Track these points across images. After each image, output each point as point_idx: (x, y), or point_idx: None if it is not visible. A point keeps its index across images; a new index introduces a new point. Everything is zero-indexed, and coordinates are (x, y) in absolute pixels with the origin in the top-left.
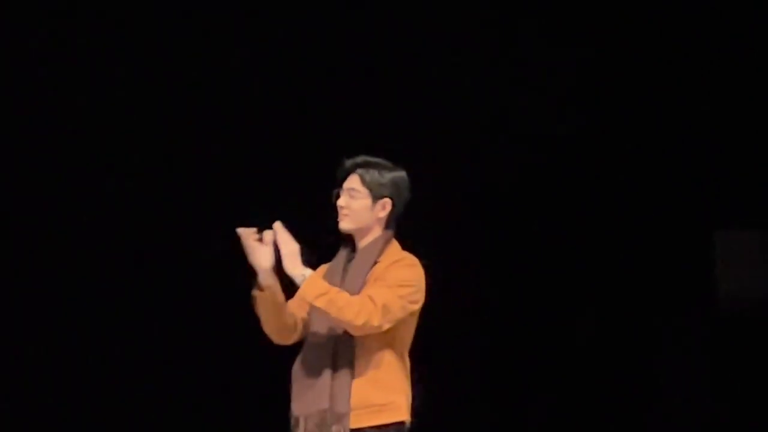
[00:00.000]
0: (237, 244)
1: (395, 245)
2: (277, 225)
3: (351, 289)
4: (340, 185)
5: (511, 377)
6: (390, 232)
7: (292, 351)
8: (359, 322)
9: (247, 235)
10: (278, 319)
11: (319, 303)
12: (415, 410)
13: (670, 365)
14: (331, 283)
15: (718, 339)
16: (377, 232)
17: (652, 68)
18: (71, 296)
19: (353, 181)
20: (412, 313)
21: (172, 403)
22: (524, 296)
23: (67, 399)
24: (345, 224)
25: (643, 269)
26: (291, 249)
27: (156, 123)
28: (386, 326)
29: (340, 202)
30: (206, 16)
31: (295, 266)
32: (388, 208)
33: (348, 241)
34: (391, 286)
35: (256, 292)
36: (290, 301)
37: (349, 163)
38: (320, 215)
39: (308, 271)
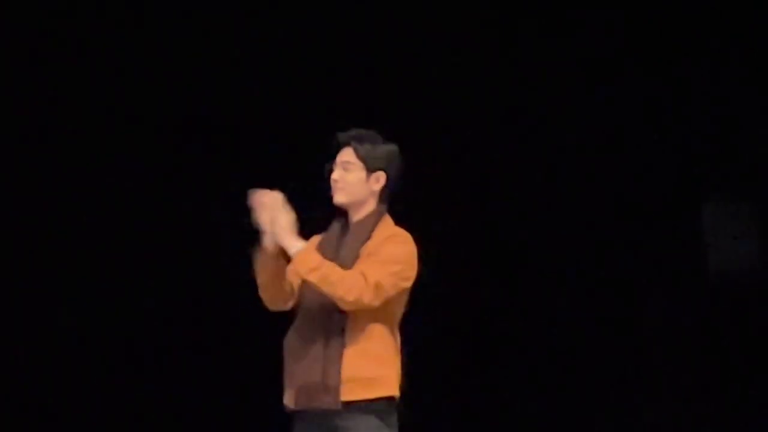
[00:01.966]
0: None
1: (388, 220)
2: (275, 194)
3: (344, 264)
4: (332, 159)
5: (496, 346)
6: (383, 207)
7: (284, 323)
8: (350, 298)
9: (258, 195)
10: (276, 284)
11: (312, 277)
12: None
13: (658, 336)
14: (325, 256)
15: (706, 310)
16: (371, 206)
17: (640, 38)
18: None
19: (347, 154)
20: (403, 290)
21: (162, 374)
22: (508, 267)
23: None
24: (339, 197)
25: (631, 241)
26: (286, 220)
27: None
28: (377, 303)
29: (334, 175)
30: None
31: (288, 238)
32: (382, 181)
33: (341, 214)
34: (384, 263)
35: (260, 254)
36: (287, 267)
37: (342, 136)
38: (314, 189)
39: (302, 243)
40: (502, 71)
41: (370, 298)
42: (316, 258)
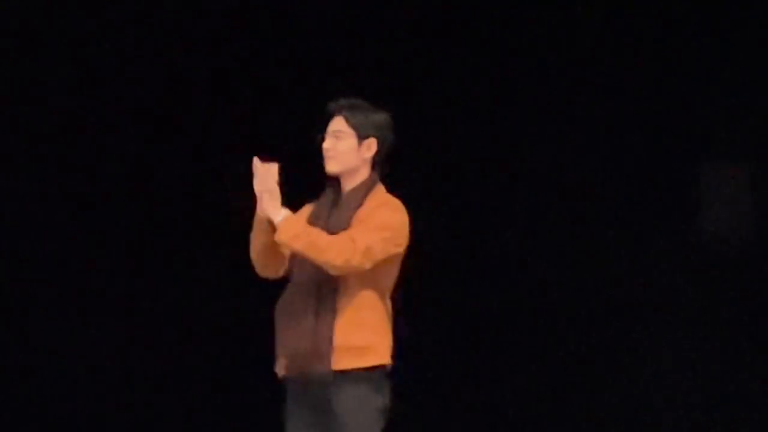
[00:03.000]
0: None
1: (381, 188)
2: (256, 162)
3: (335, 232)
4: (324, 130)
5: (490, 316)
6: (376, 175)
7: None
8: (339, 261)
9: (260, 162)
10: (269, 253)
11: (297, 245)
12: (395, 353)
13: (653, 303)
14: (316, 225)
15: (701, 276)
16: (364, 174)
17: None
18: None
19: (338, 123)
20: (395, 256)
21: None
22: (503, 238)
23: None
24: (331, 166)
25: (625, 206)
26: (269, 188)
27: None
28: (367, 266)
29: (326, 144)
30: None
31: (272, 208)
32: (374, 148)
33: (333, 184)
34: (375, 229)
35: (256, 222)
36: None
37: (332, 105)
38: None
39: (285, 212)
40: (490, 61)
41: (359, 261)
42: (300, 225)
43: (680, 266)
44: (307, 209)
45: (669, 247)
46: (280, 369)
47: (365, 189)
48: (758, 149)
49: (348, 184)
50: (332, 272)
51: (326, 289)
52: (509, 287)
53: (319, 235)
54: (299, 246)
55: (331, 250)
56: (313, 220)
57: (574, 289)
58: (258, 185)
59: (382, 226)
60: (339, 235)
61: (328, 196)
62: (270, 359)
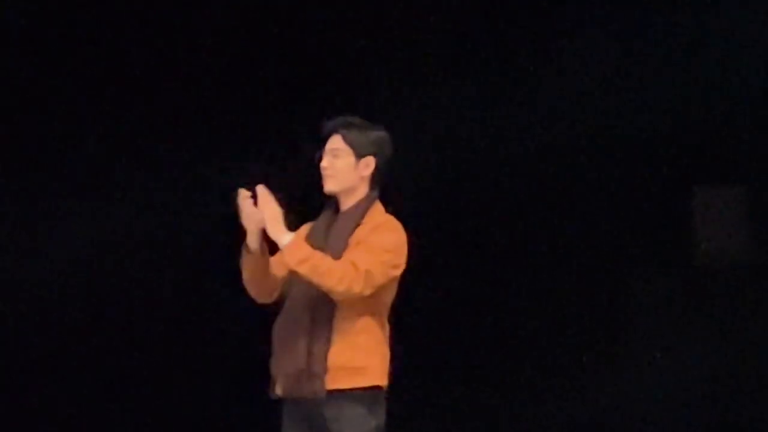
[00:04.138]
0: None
1: (379, 207)
2: (260, 188)
3: (333, 253)
4: (321, 148)
5: (484, 331)
6: (374, 194)
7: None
8: (341, 288)
9: (244, 196)
10: (261, 281)
11: (301, 269)
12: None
13: (647, 322)
14: (314, 244)
15: (695, 295)
16: (362, 192)
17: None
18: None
19: (335, 141)
20: (393, 278)
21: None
22: (499, 251)
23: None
24: (330, 186)
25: (621, 225)
26: (273, 213)
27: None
28: (368, 292)
29: (324, 163)
30: None
31: (277, 230)
32: (372, 166)
33: (332, 202)
34: (373, 251)
35: (245, 252)
36: (272, 259)
37: (329, 124)
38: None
39: (290, 236)
40: (486, 58)
41: (360, 288)
42: (305, 250)
43: (675, 287)
44: (305, 229)
45: (665, 267)
46: (276, 389)
47: (363, 207)
48: (751, 171)
49: (346, 202)
50: (334, 298)
51: (322, 309)
52: (505, 318)
53: (322, 260)
54: (304, 271)
55: (334, 277)
56: (311, 240)
57: (569, 313)
58: (248, 214)
59: (380, 248)
60: (341, 261)
61: (325, 215)
62: (266, 378)
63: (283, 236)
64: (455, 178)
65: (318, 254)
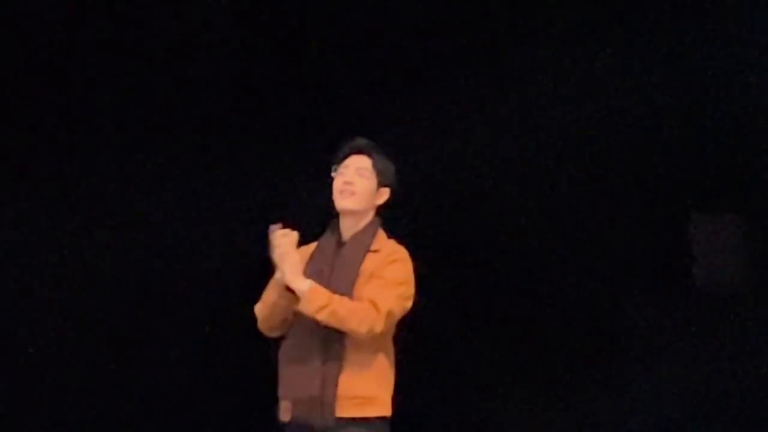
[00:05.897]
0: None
1: (382, 233)
2: (278, 232)
3: (343, 279)
4: (340, 162)
5: (488, 354)
6: (379, 220)
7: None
8: (363, 329)
9: (280, 234)
10: (279, 314)
11: (321, 316)
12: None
13: (645, 348)
14: (318, 269)
15: (693, 322)
16: (369, 218)
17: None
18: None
19: (364, 161)
20: (407, 309)
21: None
22: (501, 275)
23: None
24: (349, 202)
25: (619, 252)
26: (292, 259)
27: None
28: (387, 329)
29: (349, 178)
30: None
31: (295, 278)
32: (386, 197)
33: (334, 226)
34: (389, 286)
35: (270, 285)
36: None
37: (360, 142)
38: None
39: (309, 283)
40: (488, 71)
41: (381, 327)
42: (325, 297)
43: (673, 313)
44: (306, 250)
45: (663, 294)
46: (284, 414)
47: (371, 233)
48: (748, 199)
49: (352, 225)
50: (356, 338)
51: (333, 336)
52: (502, 332)
53: (341, 305)
54: (323, 317)
55: (355, 319)
56: (315, 265)
57: (565, 338)
58: (277, 253)
59: (395, 282)
60: (361, 303)
61: (328, 241)
62: (272, 403)
63: (301, 284)
64: (454, 198)
65: (336, 299)
